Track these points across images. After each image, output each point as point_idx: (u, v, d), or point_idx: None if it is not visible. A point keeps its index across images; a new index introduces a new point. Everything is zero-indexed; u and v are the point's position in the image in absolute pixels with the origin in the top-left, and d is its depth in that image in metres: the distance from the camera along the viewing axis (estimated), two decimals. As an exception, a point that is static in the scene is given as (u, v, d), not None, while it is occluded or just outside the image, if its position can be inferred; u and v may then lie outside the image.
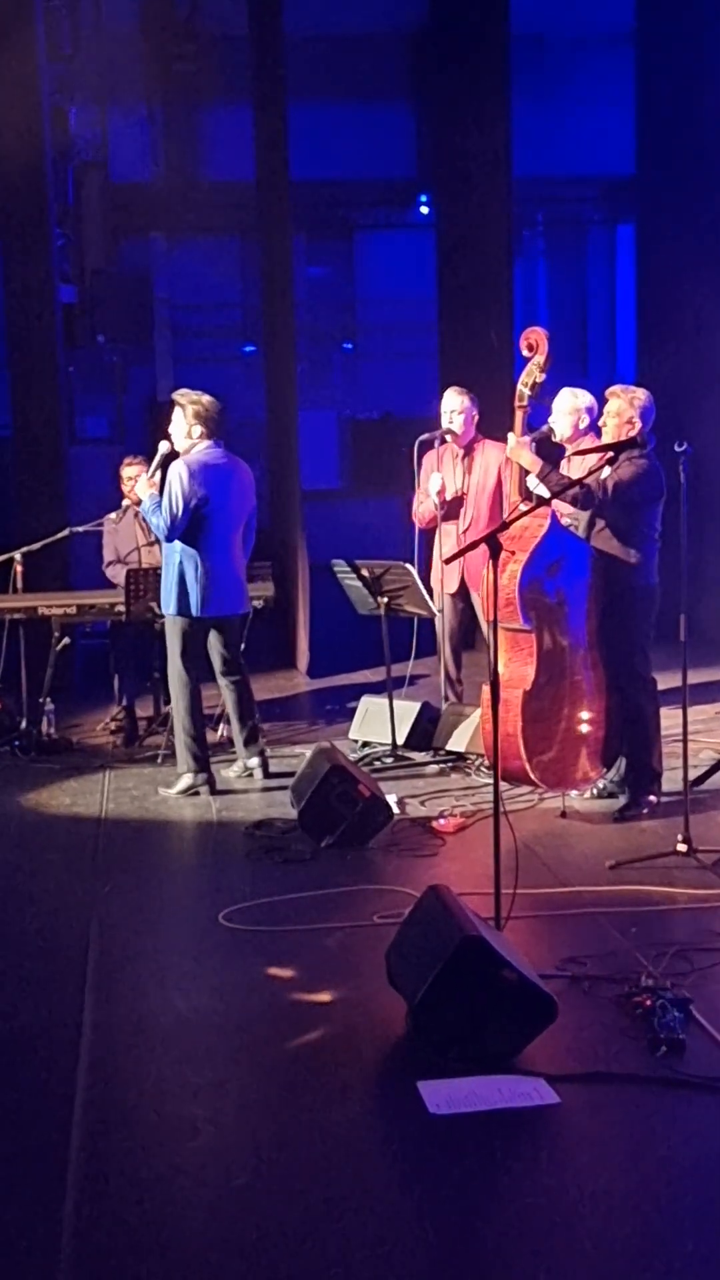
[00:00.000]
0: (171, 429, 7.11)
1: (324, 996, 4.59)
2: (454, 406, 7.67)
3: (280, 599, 9.32)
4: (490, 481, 7.55)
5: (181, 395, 7.17)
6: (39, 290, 10.04)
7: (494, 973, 4.01)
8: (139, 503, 8.12)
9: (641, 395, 6.34)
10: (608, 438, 6.31)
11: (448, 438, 7.70)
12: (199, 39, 14.40)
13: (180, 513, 6.89)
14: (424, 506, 7.69)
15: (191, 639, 7.06)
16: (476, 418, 7.70)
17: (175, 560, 7.00)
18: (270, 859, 6.07)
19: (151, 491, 7.03)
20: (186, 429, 7.05)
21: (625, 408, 6.30)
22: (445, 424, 7.68)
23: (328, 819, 6.16)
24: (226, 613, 7.14)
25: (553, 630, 6.37)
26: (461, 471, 7.65)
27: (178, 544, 6.98)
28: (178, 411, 7.08)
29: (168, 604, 7.06)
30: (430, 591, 7.58)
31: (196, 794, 7.04)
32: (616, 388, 6.44)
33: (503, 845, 4.81)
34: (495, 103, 10.94)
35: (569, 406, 6.86)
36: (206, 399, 7.11)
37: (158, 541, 8.33)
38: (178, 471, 6.94)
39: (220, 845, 6.40)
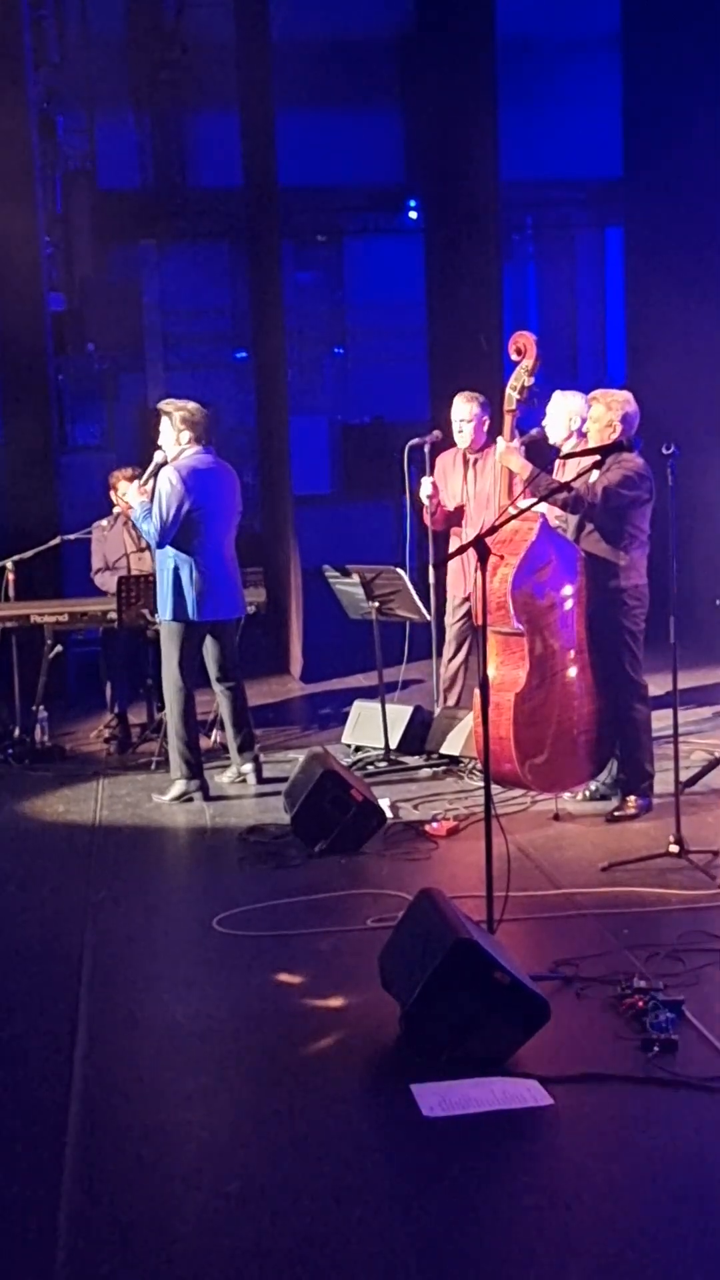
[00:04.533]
0: (161, 439, 7.13)
1: (337, 1002, 4.60)
2: (463, 415, 7.53)
3: (272, 604, 9.33)
4: (500, 487, 7.52)
5: (166, 404, 7.20)
6: (28, 299, 10.05)
7: (486, 975, 4.02)
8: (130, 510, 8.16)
9: (621, 398, 6.36)
10: (591, 442, 6.33)
11: (439, 441, 7.70)
12: (186, 46, 14.43)
13: (170, 518, 6.91)
14: (427, 511, 7.68)
15: (188, 644, 7.08)
16: (486, 423, 7.58)
17: (169, 565, 7.02)
18: (264, 864, 6.08)
19: (142, 499, 7.05)
20: (175, 436, 7.07)
21: (605, 412, 6.32)
22: (455, 434, 7.61)
23: (321, 824, 6.17)
24: (222, 616, 7.16)
25: (544, 633, 6.39)
26: (470, 477, 7.61)
27: (170, 549, 6.99)
28: (164, 421, 7.11)
29: (164, 609, 7.07)
30: (426, 595, 7.57)
31: (190, 800, 7.05)
32: (597, 392, 6.46)
33: (495, 848, 4.83)
34: (482, 107, 10.97)
35: (562, 409, 6.88)
36: (191, 405, 7.13)
37: (147, 548, 8.38)
38: (167, 476, 6.96)
39: (214, 851, 6.41)
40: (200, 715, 7.42)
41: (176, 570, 7.00)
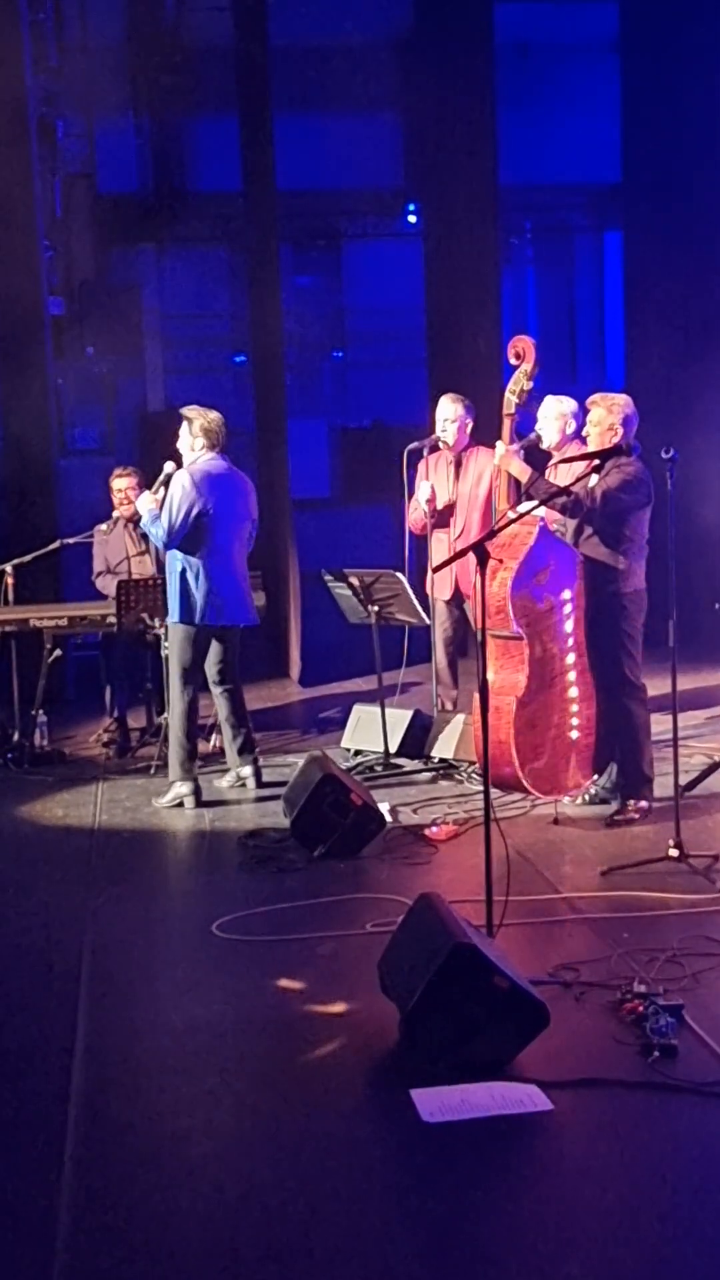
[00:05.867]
0: (180, 443, 7.19)
1: (337, 1007, 4.59)
2: (447, 415, 7.68)
3: (272, 608, 9.34)
4: (481, 489, 7.57)
5: (190, 410, 7.25)
6: (28, 303, 10.05)
7: (486, 980, 4.02)
8: (132, 516, 8.21)
9: (621, 402, 6.36)
10: (591, 446, 6.33)
11: (440, 445, 7.72)
12: (185, 50, 14.43)
13: (179, 520, 6.93)
14: (416, 514, 7.72)
15: (193, 647, 7.09)
16: (470, 425, 7.71)
17: (177, 568, 7.04)
18: (263, 868, 6.07)
19: (152, 507, 7.08)
20: (191, 442, 7.13)
21: (606, 415, 6.32)
22: (439, 432, 7.71)
23: (320, 828, 6.16)
24: (227, 622, 7.16)
25: (543, 637, 6.39)
26: (452, 479, 7.67)
27: (178, 552, 7.01)
28: (184, 425, 7.17)
29: (171, 611, 7.08)
30: (425, 599, 7.60)
31: (181, 805, 7.04)
32: (596, 396, 6.46)
33: (494, 852, 4.82)
34: (481, 111, 10.98)
35: (554, 413, 6.89)
36: (213, 414, 7.19)
37: (148, 552, 8.41)
38: (180, 480, 7.01)
39: (213, 855, 6.41)
40: (201, 719, 7.42)
41: (184, 573, 7.01)
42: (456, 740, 7.37)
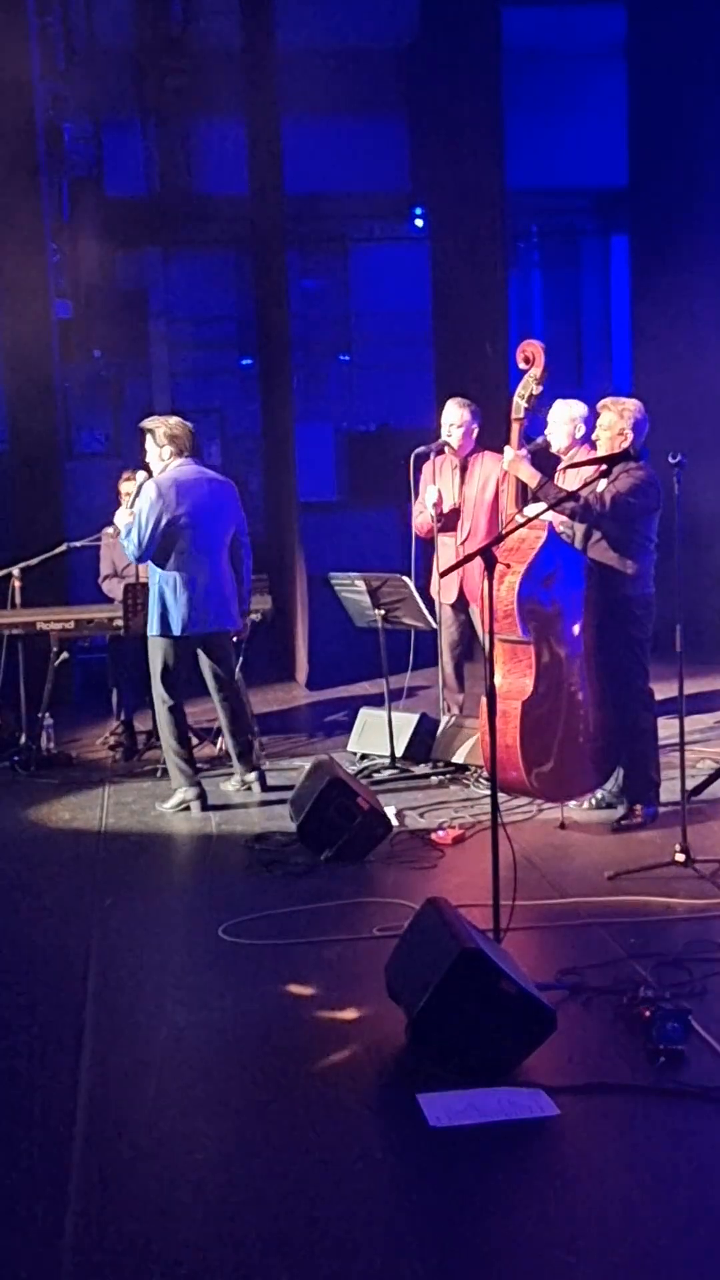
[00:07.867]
0: (147, 458, 7.15)
1: (343, 1011, 4.59)
2: (452, 420, 7.67)
3: (278, 612, 9.34)
4: (487, 493, 7.57)
5: (147, 422, 7.24)
6: (35, 305, 10.07)
7: (493, 985, 4.01)
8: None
9: (632, 407, 6.35)
10: (601, 451, 6.32)
11: (445, 449, 7.72)
12: (193, 53, 14.45)
13: (147, 534, 6.89)
14: (422, 518, 7.72)
15: (173, 658, 7.05)
16: (476, 430, 7.70)
17: (155, 581, 7.01)
18: (269, 872, 6.07)
19: (128, 520, 7.07)
20: (158, 452, 7.09)
21: (616, 420, 6.31)
22: (444, 436, 7.70)
23: (327, 832, 6.16)
24: (211, 629, 7.11)
25: (551, 641, 6.38)
26: (458, 483, 7.68)
27: (153, 565, 6.98)
28: (148, 439, 7.13)
29: (150, 624, 7.05)
30: (430, 603, 7.60)
31: (187, 809, 7.04)
32: (607, 400, 6.45)
33: (501, 857, 4.81)
34: (488, 115, 11.00)
35: (564, 417, 6.89)
36: (172, 420, 7.17)
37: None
38: (146, 492, 6.97)
39: (219, 859, 6.41)
40: (207, 723, 7.42)
41: (161, 585, 6.98)
42: (467, 745, 7.36)
